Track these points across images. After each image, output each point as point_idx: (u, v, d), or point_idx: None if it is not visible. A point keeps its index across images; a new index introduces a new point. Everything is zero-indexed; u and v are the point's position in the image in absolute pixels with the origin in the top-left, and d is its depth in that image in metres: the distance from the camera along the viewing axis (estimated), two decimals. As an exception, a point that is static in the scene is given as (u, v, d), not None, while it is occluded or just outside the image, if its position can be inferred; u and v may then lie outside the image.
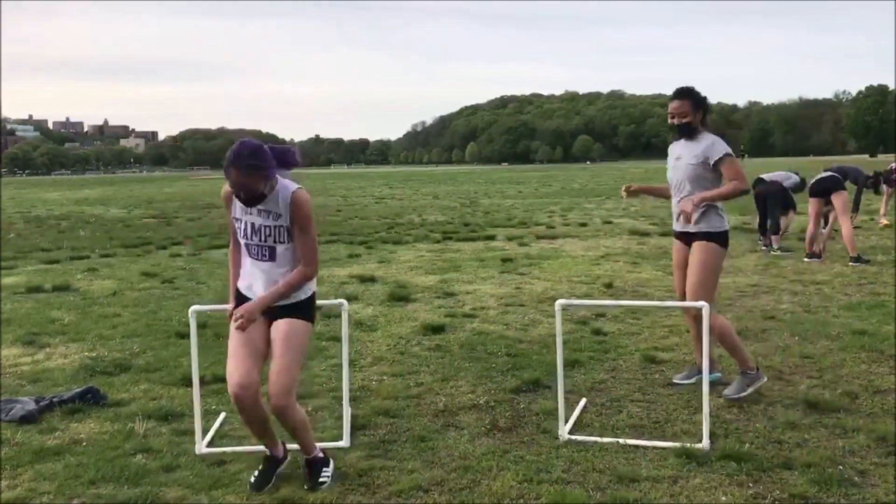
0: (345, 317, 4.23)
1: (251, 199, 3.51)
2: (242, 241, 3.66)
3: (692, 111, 4.72)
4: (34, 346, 6.31)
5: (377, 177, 61.52)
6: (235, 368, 3.52)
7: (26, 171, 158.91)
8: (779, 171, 11.73)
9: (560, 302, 4.23)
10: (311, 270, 3.66)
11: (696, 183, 4.70)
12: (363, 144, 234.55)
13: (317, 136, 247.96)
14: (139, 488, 3.52)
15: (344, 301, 4.30)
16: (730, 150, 4.70)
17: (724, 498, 3.33)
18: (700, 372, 4.91)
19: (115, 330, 6.81)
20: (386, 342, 6.21)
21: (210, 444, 4.04)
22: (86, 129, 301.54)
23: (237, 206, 3.61)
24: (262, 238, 3.59)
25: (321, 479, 3.57)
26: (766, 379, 4.74)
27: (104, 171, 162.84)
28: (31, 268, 11.12)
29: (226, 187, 3.61)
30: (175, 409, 4.60)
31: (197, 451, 3.94)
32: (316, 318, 3.80)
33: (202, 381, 4.17)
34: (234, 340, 3.60)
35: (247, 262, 3.70)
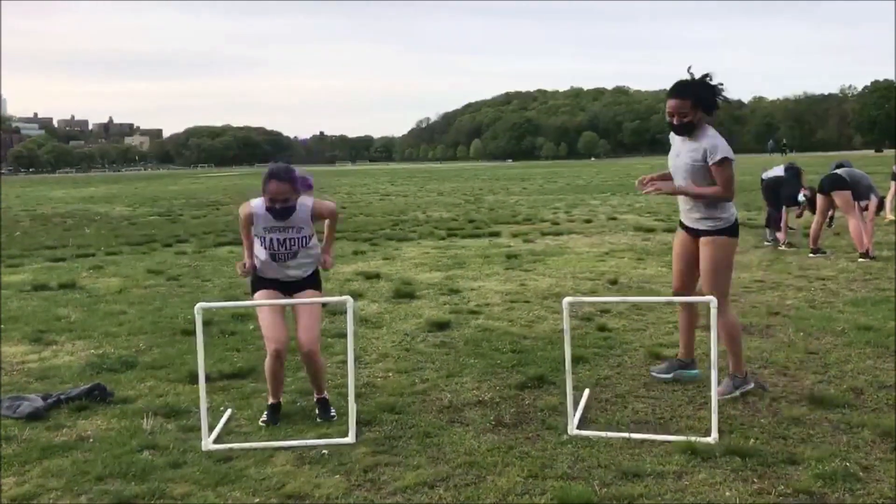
0: (350, 313, 4.24)
1: (284, 210, 4.25)
2: (267, 252, 4.37)
3: (692, 109, 4.53)
4: (41, 343, 6.34)
5: (381, 174, 61.54)
6: (274, 332, 4.33)
7: (31, 170, 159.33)
8: (776, 167, 11.70)
9: (567, 299, 4.23)
10: (336, 212, 4.70)
11: (694, 182, 4.60)
12: (367, 141, 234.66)
13: (321, 133, 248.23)
14: (146, 484, 3.54)
15: (349, 298, 4.31)
16: (730, 155, 4.54)
17: (728, 493, 3.33)
18: (682, 367, 4.98)
19: (121, 327, 6.84)
20: (391, 339, 6.22)
21: (216, 441, 4.06)
22: (91, 127, 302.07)
23: (259, 224, 4.33)
24: (288, 248, 4.37)
25: (331, 415, 4.40)
26: (752, 385, 4.69)
27: (109, 169, 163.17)
28: (37, 265, 11.16)
29: (245, 209, 4.36)
30: (181, 406, 4.62)
31: (203, 448, 3.96)
32: (322, 288, 4.65)
33: (208, 378, 4.20)
34: (268, 312, 4.38)
35: (265, 263, 4.42)
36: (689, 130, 4.60)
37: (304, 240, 4.39)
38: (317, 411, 4.48)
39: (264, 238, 4.36)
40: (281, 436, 4.14)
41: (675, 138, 4.75)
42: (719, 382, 4.62)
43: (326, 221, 4.61)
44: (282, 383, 4.55)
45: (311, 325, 4.40)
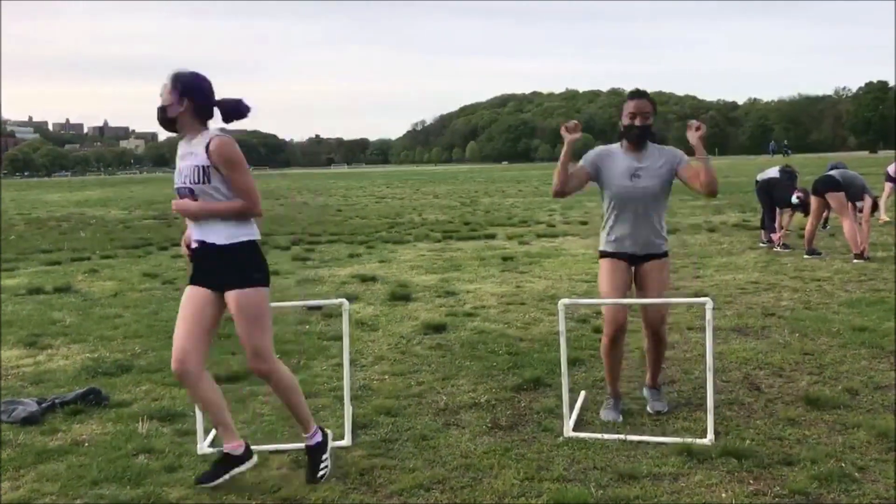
0: (345, 316, 4.24)
1: (162, 118, 3.52)
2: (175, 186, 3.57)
3: (652, 114, 4.26)
4: (36, 347, 6.32)
5: (377, 176, 61.53)
6: (175, 343, 3.52)
7: (26, 173, 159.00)
8: (771, 168, 11.72)
9: (563, 301, 4.23)
10: (250, 205, 3.51)
11: (656, 204, 4.30)
12: (363, 144, 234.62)
13: (317, 136, 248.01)
14: (142, 488, 3.53)
15: (345, 300, 4.31)
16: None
17: (724, 495, 3.34)
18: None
19: (117, 331, 6.82)
20: (387, 341, 6.22)
21: (212, 444, 4.05)
22: (86, 131, 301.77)
23: (178, 152, 3.59)
24: (183, 179, 3.50)
25: (319, 474, 3.59)
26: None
27: (105, 173, 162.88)
28: (33, 269, 11.13)
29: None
30: (177, 410, 4.61)
31: (199, 451, 3.95)
32: (269, 278, 3.63)
33: (204, 382, 4.18)
34: (181, 312, 3.57)
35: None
36: (647, 137, 4.29)
37: (192, 173, 3.46)
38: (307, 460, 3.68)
39: (178, 168, 3.58)
40: (277, 439, 4.14)
41: (615, 155, 4.34)
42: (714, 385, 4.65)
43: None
44: (218, 412, 3.59)
45: (247, 336, 3.50)
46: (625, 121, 4.29)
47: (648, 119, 4.25)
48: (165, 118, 3.53)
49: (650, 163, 4.29)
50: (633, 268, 4.39)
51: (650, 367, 4.58)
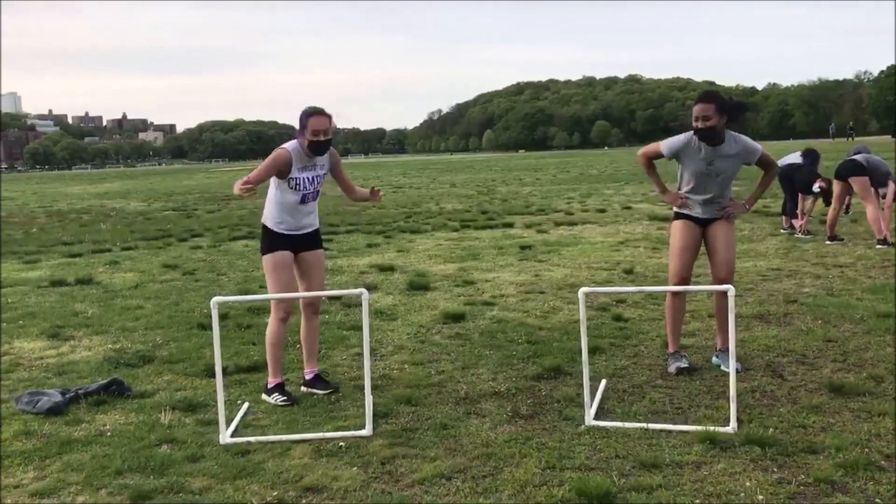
0: (365, 306, 4.24)
1: (327, 143, 4.60)
2: (299, 194, 4.63)
3: (715, 114, 4.69)
4: (59, 338, 6.38)
5: (394, 166, 61.54)
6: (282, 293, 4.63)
7: (46, 166, 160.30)
8: (792, 154, 11.59)
9: (583, 290, 4.21)
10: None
11: (726, 186, 4.95)
12: (380, 134, 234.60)
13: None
14: (165, 478, 3.56)
15: (364, 290, 4.31)
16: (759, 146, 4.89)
17: (748, 483, 3.31)
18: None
19: (138, 322, 6.87)
20: (406, 331, 6.22)
21: (234, 434, 4.08)
22: (105, 124, 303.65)
23: (295, 166, 4.58)
24: (316, 185, 4.70)
25: (332, 387, 4.72)
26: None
27: (124, 165, 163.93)
28: (55, 261, 11.23)
29: (282, 152, 4.58)
30: (199, 400, 4.64)
31: (221, 441, 3.97)
32: (264, 250, 4.77)
33: (225, 372, 4.21)
34: (279, 277, 4.65)
35: (288, 209, 4.65)
36: (712, 136, 4.75)
37: (320, 178, 4.73)
38: (315, 389, 4.74)
39: (298, 179, 4.61)
40: (298, 429, 4.15)
41: (699, 145, 4.84)
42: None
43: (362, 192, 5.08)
44: (282, 358, 4.79)
45: (318, 285, 4.82)
46: (694, 123, 4.76)
47: (710, 121, 4.69)
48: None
49: (725, 150, 4.82)
50: (702, 228, 5.01)
51: (720, 331, 4.98)
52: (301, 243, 4.73)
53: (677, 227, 5.06)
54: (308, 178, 4.65)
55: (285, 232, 4.68)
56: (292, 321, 4.91)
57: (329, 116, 4.62)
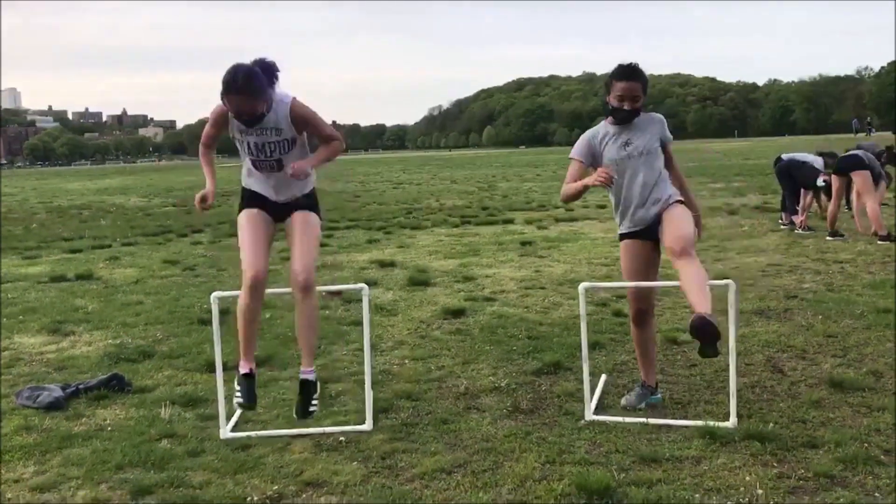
0: (366, 301, 4.24)
1: (253, 120, 3.76)
2: (248, 158, 3.95)
3: (642, 94, 4.03)
4: (59, 334, 6.38)
5: (395, 162, 61.49)
6: (255, 259, 3.87)
7: (46, 162, 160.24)
8: (801, 153, 11.56)
9: (583, 285, 4.21)
10: (340, 142, 4.05)
11: (651, 169, 4.11)
12: (380, 130, 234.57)
13: (334, 123, 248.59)
14: (165, 473, 3.56)
15: (364, 286, 4.31)
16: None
17: (748, 477, 3.31)
18: (650, 394, 4.29)
19: (138, 317, 6.87)
20: (406, 326, 6.22)
21: (234, 429, 4.08)
22: (105, 119, 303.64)
23: (234, 125, 3.85)
24: (268, 154, 3.88)
25: (311, 409, 3.93)
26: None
27: (124, 161, 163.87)
28: (55, 257, 11.24)
29: (217, 106, 3.84)
30: (199, 395, 4.64)
31: (221, 436, 3.98)
32: (323, 217, 4.20)
33: (225, 367, 4.20)
34: (249, 234, 3.93)
35: (254, 173, 4.01)
36: (634, 117, 4.08)
37: (284, 144, 3.82)
38: (298, 396, 3.94)
39: (242, 141, 3.89)
40: (298, 423, 4.15)
41: (607, 127, 4.16)
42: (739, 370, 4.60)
43: (321, 147, 4.01)
44: (255, 338, 4.03)
45: (308, 250, 3.88)
46: (613, 102, 4.04)
47: (638, 102, 4.02)
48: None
49: (637, 132, 4.11)
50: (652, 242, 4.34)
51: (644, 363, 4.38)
52: (284, 210, 4.02)
53: (623, 248, 4.40)
54: (255, 145, 3.84)
55: (258, 191, 4.02)
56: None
57: (254, 92, 3.67)
